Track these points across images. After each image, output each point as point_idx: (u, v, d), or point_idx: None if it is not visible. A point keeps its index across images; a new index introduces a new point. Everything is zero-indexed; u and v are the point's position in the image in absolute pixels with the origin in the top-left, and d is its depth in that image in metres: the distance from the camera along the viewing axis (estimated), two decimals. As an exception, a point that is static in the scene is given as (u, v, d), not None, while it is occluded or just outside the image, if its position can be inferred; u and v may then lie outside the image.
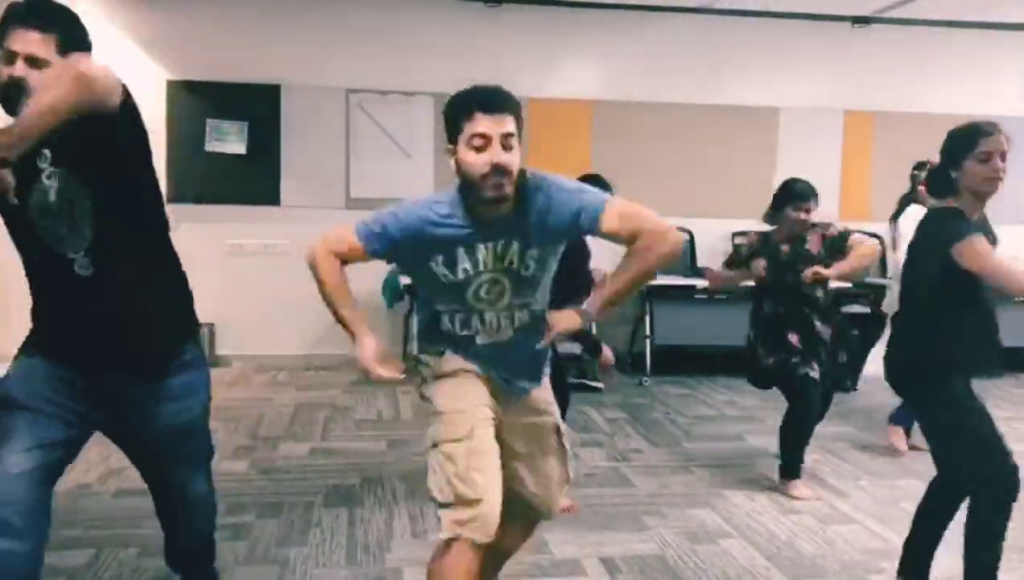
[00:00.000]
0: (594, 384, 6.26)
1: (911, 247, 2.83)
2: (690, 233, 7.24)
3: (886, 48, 7.40)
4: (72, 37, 2.05)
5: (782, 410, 4.12)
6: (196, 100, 6.74)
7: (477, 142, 2.09)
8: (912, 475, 4.30)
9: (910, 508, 3.79)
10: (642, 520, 3.67)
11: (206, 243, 6.67)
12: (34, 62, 1.98)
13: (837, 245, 4.04)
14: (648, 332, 6.65)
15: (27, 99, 1.88)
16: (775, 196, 4.15)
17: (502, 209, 2.16)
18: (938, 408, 2.71)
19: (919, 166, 4.99)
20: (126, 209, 2.11)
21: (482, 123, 2.09)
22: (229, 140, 6.75)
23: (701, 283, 6.49)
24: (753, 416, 5.52)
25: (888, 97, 7.39)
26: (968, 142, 2.64)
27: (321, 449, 4.69)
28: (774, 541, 3.49)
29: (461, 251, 2.20)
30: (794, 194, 4.06)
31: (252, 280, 6.86)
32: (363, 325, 2.25)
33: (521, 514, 2.48)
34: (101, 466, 4.13)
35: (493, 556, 2.43)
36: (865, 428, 5.28)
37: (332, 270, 2.24)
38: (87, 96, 1.81)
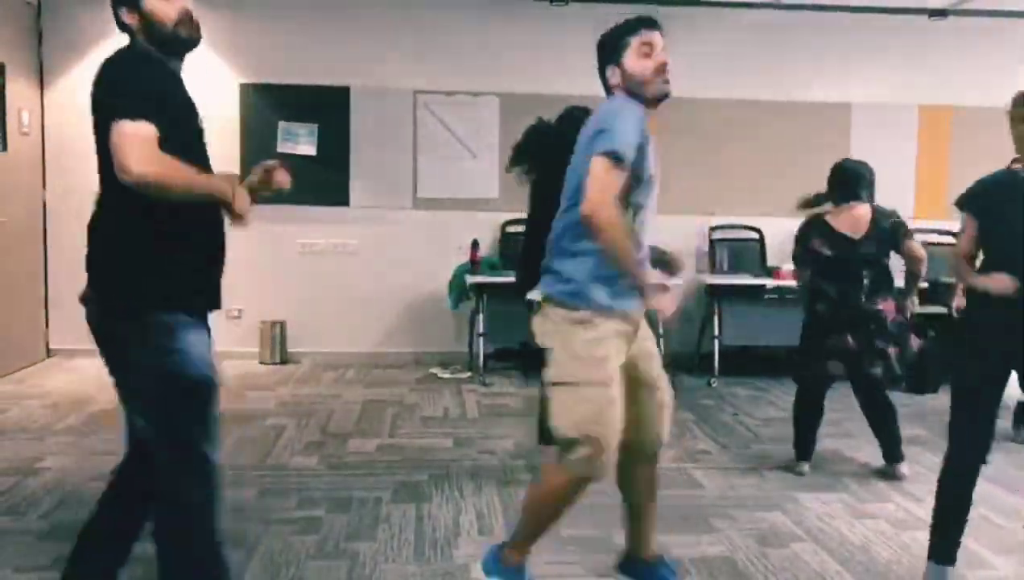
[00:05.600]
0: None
1: None
2: (759, 231, 7.14)
3: (964, 40, 7.18)
4: None
5: (851, 412, 4.05)
6: (268, 102, 6.88)
7: (646, 50, 2.56)
8: (990, 480, 4.16)
9: (989, 514, 3.71)
10: (710, 522, 3.63)
11: (277, 243, 6.81)
12: None
13: (889, 234, 4.19)
14: (716, 332, 6.55)
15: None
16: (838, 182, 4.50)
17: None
18: None
19: None
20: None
21: (648, 36, 2.57)
22: (300, 142, 6.89)
23: (770, 282, 6.41)
24: (824, 419, 5.39)
25: (967, 91, 7.17)
26: None
27: (389, 445, 4.75)
28: (847, 546, 3.42)
29: (651, 147, 2.58)
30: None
31: (322, 279, 6.97)
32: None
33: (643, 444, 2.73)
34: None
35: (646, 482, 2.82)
36: (941, 432, 5.11)
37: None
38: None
